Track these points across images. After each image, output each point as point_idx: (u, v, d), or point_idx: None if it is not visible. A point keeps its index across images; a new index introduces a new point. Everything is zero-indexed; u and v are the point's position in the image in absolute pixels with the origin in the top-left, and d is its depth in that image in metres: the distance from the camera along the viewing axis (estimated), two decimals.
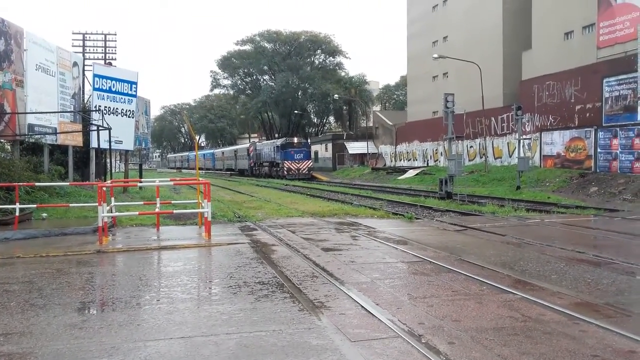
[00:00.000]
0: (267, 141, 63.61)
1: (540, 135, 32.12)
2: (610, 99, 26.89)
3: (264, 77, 78.74)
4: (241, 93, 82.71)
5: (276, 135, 74.65)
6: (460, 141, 35.28)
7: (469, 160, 40.03)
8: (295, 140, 52.20)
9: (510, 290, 6.49)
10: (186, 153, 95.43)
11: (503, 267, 7.97)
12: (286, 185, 37.58)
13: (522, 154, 26.02)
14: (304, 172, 49.20)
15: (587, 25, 33.33)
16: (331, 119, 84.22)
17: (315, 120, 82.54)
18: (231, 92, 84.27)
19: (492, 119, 38.31)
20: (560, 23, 35.55)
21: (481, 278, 7.15)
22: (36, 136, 18.91)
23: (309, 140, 60.75)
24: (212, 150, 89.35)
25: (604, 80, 27.29)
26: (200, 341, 4.80)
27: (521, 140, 25.68)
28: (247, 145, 67.43)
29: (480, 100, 38.29)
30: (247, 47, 75.72)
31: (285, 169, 49.08)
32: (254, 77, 79.27)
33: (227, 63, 77.16)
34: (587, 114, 28.56)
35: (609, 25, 29.17)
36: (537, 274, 7.52)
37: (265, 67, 75.97)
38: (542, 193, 23.73)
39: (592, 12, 31.01)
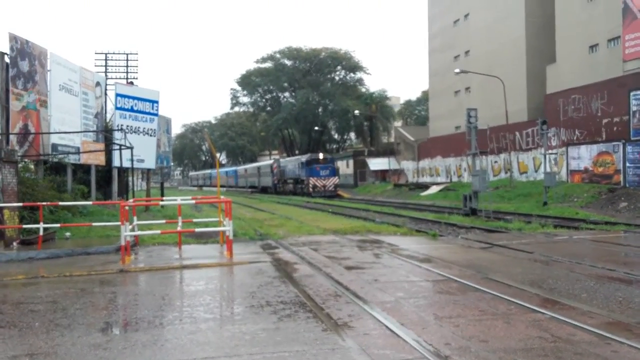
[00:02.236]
0: (292, 157, 62.28)
1: (567, 149, 31.62)
2: (638, 112, 26.37)
3: (284, 94, 79.31)
4: (261, 110, 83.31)
5: (296, 152, 74.78)
6: (484, 156, 34.86)
7: (494, 176, 39.55)
8: (321, 156, 50.35)
9: (539, 310, 6.34)
10: (208, 171, 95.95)
11: (531, 285, 7.78)
12: (307, 202, 37.54)
13: (548, 169, 25.60)
14: (330, 189, 47.27)
15: (612, 38, 32.95)
16: (352, 135, 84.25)
17: (336, 136, 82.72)
18: (251, 109, 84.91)
19: (517, 133, 37.89)
20: (584, 36, 35.22)
21: (509, 297, 6.99)
22: (59, 156, 19.22)
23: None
24: (234, 168, 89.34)
25: (631, 94, 26.79)
26: None
27: (547, 155, 25.28)
28: (271, 162, 66.24)
29: (504, 114, 37.94)
30: (267, 65, 76.43)
31: (310, 186, 47.25)
32: (274, 94, 79.87)
33: (247, 81, 77.93)
34: (615, 128, 28.05)
35: (635, 38, 28.78)
36: (567, 292, 7.32)
37: (286, 84, 76.54)
38: (570, 209, 23.26)
39: (617, 25, 30.66)
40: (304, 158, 51.28)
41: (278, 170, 59.10)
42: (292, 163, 55.31)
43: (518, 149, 37.75)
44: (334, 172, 49.28)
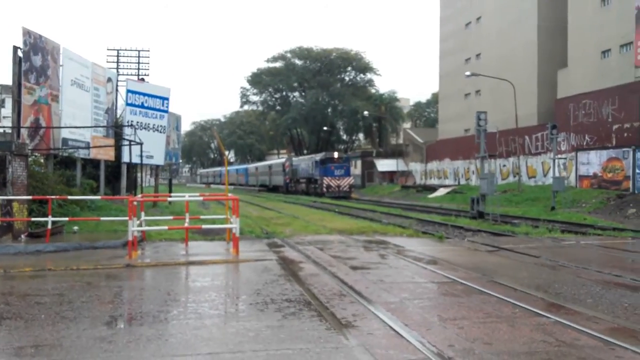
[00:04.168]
0: (305, 156, 60.19)
1: (576, 154, 31.46)
2: None
3: (294, 94, 79.35)
4: (271, 109, 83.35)
5: (305, 151, 74.73)
6: (492, 160, 34.78)
7: (502, 180, 39.43)
8: (336, 155, 48.46)
9: (544, 314, 6.33)
10: (218, 168, 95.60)
11: (537, 289, 7.76)
12: (314, 202, 37.52)
13: (557, 174, 25.50)
14: (344, 189, 45.31)
15: (624, 44, 32.75)
16: (361, 136, 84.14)
17: (345, 137, 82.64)
18: (261, 108, 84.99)
19: (526, 137, 37.74)
20: (597, 41, 35.04)
21: (514, 300, 6.98)
22: (69, 150, 19.35)
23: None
24: (245, 166, 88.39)
25: None
26: (227, 358, 4.80)
27: (556, 160, 25.17)
28: (283, 160, 64.51)
29: (514, 118, 37.79)
30: (278, 64, 76.53)
31: (324, 185, 45.18)
32: (284, 94, 79.92)
33: (257, 80, 78.04)
34: (625, 134, 27.89)
35: None
36: (572, 297, 7.30)
37: (296, 84, 76.58)
38: (578, 214, 23.14)
39: (630, 30, 30.47)
40: (318, 157, 49.39)
41: (290, 169, 57.54)
42: (305, 162, 53.59)
43: (527, 153, 37.61)
44: (349, 171, 47.63)
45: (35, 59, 16.88)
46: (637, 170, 26.52)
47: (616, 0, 33.71)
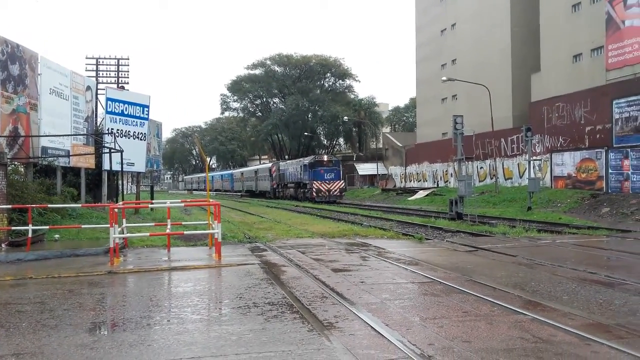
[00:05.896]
0: (293, 160, 57.49)
1: (551, 156, 32.04)
2: (621, 120, 26.85)
3: (274, 100, 79.46)
4: (251, 116, 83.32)
5: (286, 157, 74.64)
6: (470, 162, 35.24)
7: (479, 181, 39.93)
8: (326, 158, 47.63)
9: (521, 311, 6.46)
10: (202, 174, 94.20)
11: (514, 288, 7.92)
12: (296, 206, 37.59)
13: (532, 175, 25.92)
14: (335, 193, 44.21)
15: (595, 48, 33.46)
16: (341, 140, 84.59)
17: (325, 142, 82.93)
18: (241, 115, 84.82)
19: (502, 140, 38.31)
20: (568, 46, 35.72)
21: (492, 299, 7.11)
22: (49, 159, 19.15)
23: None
24: (230, 171, 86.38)
25: (614, 102, 27.27)
26: None
27: (531, 162, 25.60)
28: (269, 165, 62.61)
29: (490, 121, 38.30)
30: (258, 71, 76.61)
31: (314, 190, 43.87)
32: (264, 100, 79.98)
33: (238, 87, 77.99)
34: (598, 135, 28.49)
35: (618, 48, 29.26)
36: (549, 294, 7.46)
37: (276, 90, 76.68)
38: (554, 214, 23.56)
39: (601, 35, 31.15)
40: (307, 160, 47.89)
41: (277, 173, 56.12)
42: (293, 166, 52.07)
43: (503, 155, 38.17)
44: (339, 175, 46.32)
45: (13, 68, 16.70)
46: (610, 170, 27.12)
47: (586, 6, 34.43)
